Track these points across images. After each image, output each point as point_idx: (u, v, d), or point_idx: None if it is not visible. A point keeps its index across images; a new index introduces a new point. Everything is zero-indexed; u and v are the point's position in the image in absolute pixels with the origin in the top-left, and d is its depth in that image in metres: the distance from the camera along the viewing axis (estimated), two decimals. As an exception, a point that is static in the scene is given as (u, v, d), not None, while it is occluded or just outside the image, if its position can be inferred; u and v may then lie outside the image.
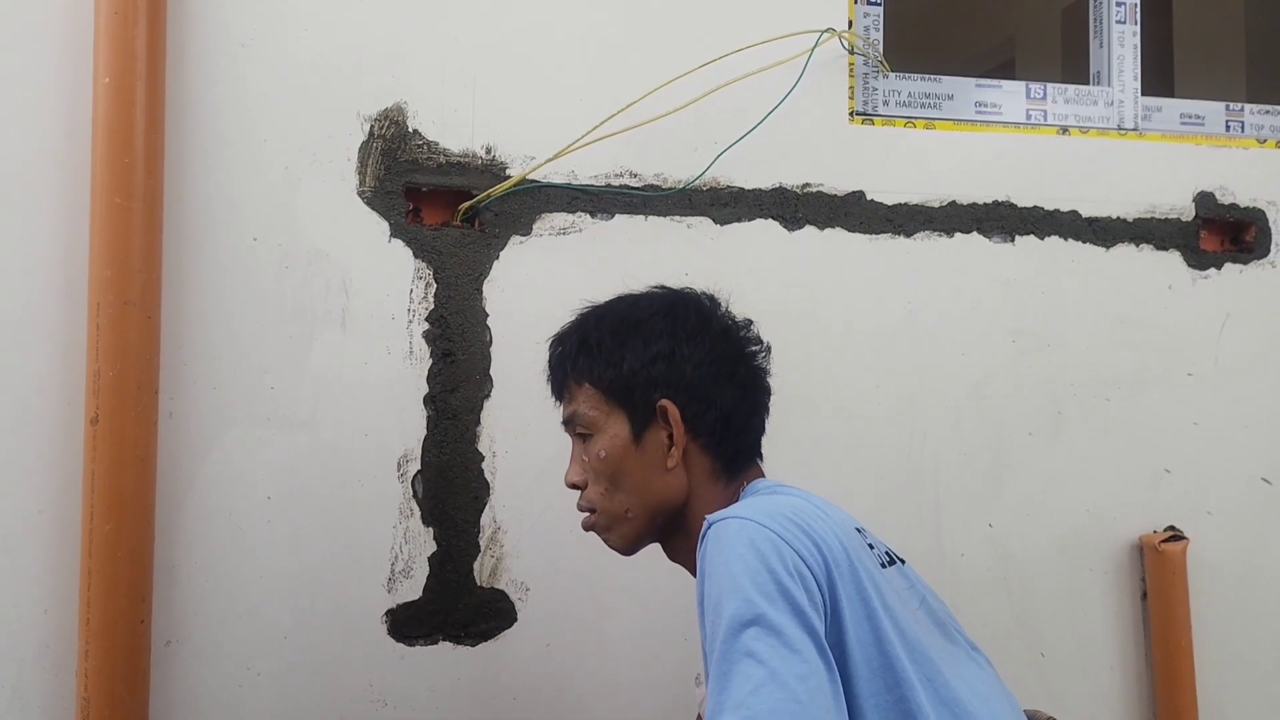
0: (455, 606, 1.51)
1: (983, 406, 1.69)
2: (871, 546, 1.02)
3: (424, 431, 1.51)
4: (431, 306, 1.52)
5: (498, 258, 1.54)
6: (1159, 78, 3.17)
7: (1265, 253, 1.81)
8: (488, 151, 1.55)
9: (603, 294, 1.17)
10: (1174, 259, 1.78)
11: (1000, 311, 1.71)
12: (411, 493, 1.50)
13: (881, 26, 1.73)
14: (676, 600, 1.48)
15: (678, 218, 1.60)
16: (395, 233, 1.52)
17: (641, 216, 1.59)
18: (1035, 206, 1.73)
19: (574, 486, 1.12)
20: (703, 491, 1.07)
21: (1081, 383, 1.73)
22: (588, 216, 1.58)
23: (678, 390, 1.06)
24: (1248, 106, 1.88)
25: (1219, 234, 1.82)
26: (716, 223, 1.61)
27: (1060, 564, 1.71)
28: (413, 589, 1.50)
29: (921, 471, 1.67)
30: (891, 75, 1.73)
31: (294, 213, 1.49)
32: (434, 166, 1.53)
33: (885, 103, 1.72)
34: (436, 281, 1.52)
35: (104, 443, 1.34)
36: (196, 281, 1.45)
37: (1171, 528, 1.74)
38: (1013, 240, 1.72)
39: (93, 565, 1.33)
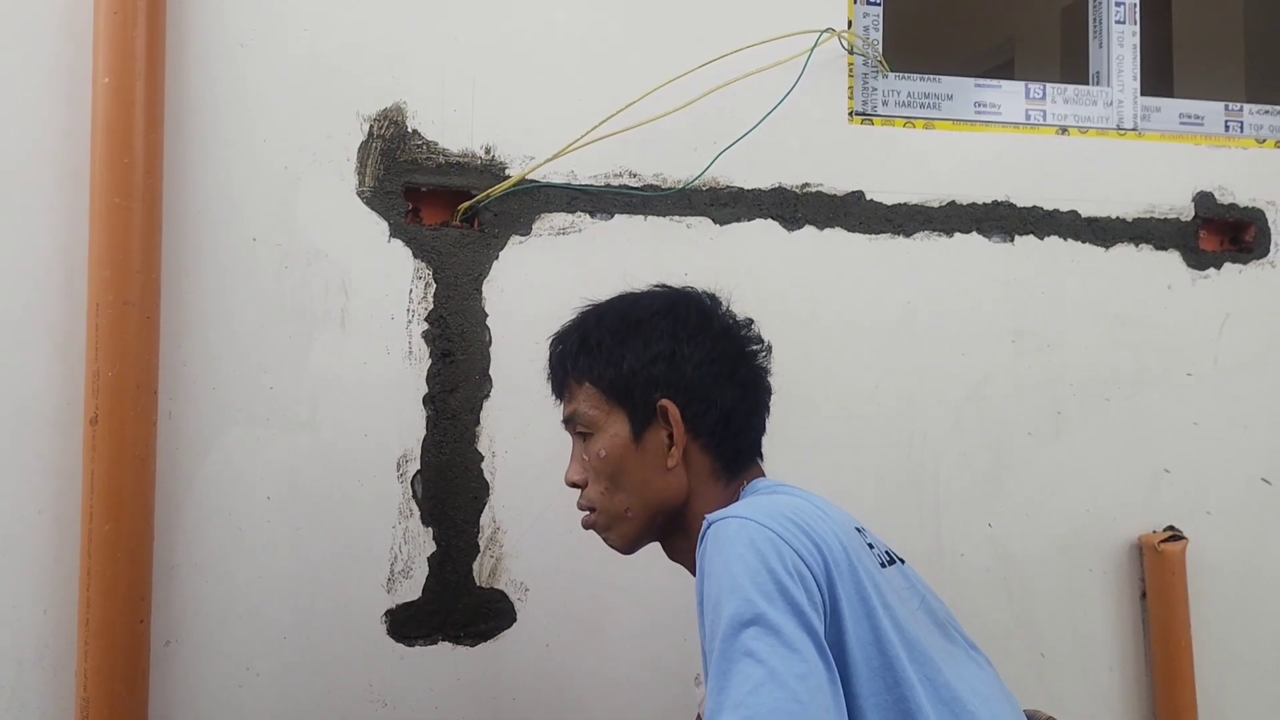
0: (455, 607, 1.51)
1: (982, 406, 1.69)
2: (871, 546, 1.02)
3: (423, 431, 1.51)
4: (431, 306, 1.52)
5: (497, 258, 1.54)
6: (1158, 78, 3.17)
7: (1265, 252, 1.82)
8: (487, 151, 1.55)
9: (603, 294, 1.17)
10: (1173, 259, 1.78)
11: (1000, 311, 1.71)
12: (411, 493, 1.50)
13: (881, 26, 1.73)
14: (676, 600, 1.48)
15: (677, 218, 1.60)
16: (395, 233, 1.52)
17: (641, 216, 1.59)
18: (1035, 206, 1.73)
19: (574, 485, 1.12)
20: (703, 491, 1.07)
21: (1081, 383, 1.73)
22: (587, 216, 1.58)
23: (678, 390, 1.06)
24: (1247, 106, 1.88)
25: (1218, 234, 1.82)
26: (716, 223, 1.61)
27: (1060, 564, 1.71)
28: (412, 589, 1.50)
29: (921, 471, 1.67)
30: (891, 75, 1.73)
31: (293, 213, 1.48)
32: (433, 166, 1.53)
33: (885, 103, 1.72)
34: (436, 281, 1.52)
35: (103, 443, 1.34)
36: (196, 281, 1.45)
37: (1171, 528, 1.74)
38: (1012, 240, 1.72)
39: (92, 565, 1.33)
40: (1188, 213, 1.79)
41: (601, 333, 1.09)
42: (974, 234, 1.70)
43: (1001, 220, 1.72)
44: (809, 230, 1.65)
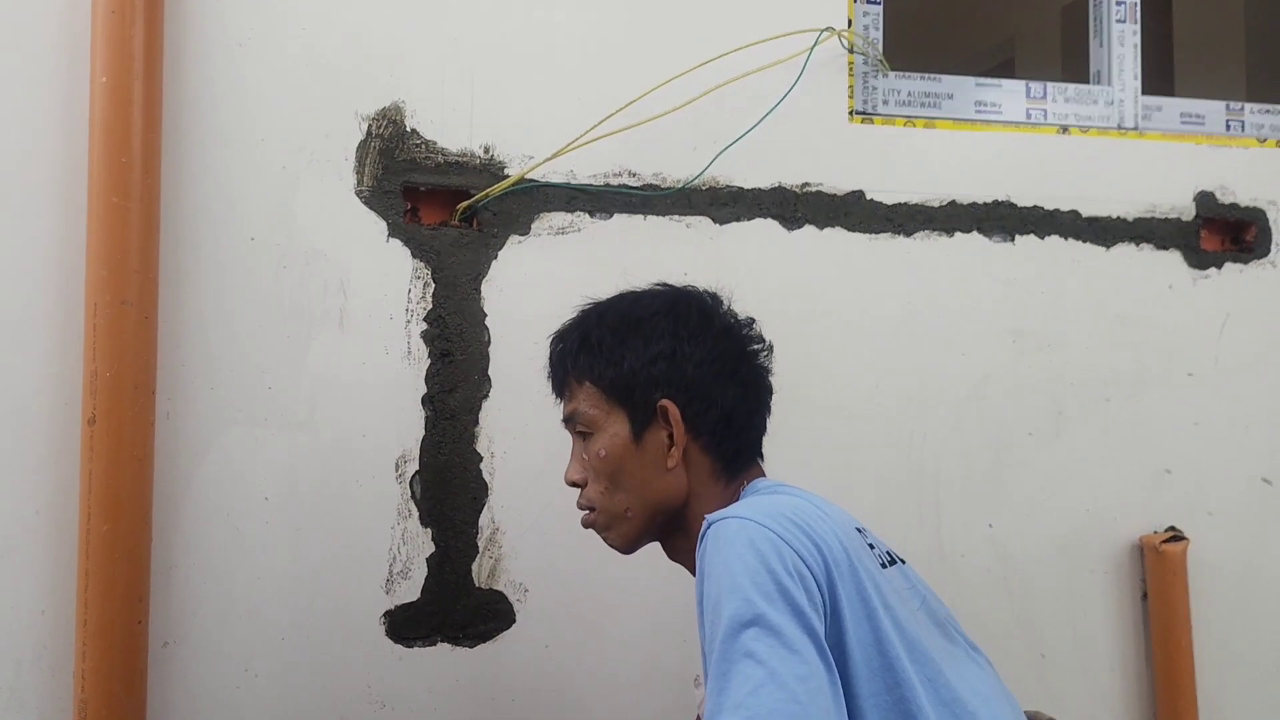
0: (454, 607, 1.50)
1: (983, 406, 1.69)
2: (872, 546, 1.02)
3: (422, 432, 1.50)
4: (430, 306, 1.51)
5: (496, 257, 1.54)
6: (1159, 77, 3.17)
7: (1266, 252, 1.81)
8: (486, 151, 1.55)
9: (603, 294, 1.16)
10: (1174, 259, 1.77)
11: (1000, 311, 1.70)
12: (410, 493, 1.50)
13: (881, 25, 1.73)
14: (676, 601, 1.48)
15: (677, 217, 1.60)
16: (393, 232, 1.51)
17: (640, 216, 1.59)
18: (1035, 206, 1.72)
19: (574, 484, 1.11)
20: (703, 491, 1.07)
21: (1082, 382, 1.73)
22: (586, 216, 1.57)
23: (678, 390, 1.06)
24: (1248, 106, 1.88)
25: (1219, 233, 1.82)
26: (716, 222, 1.61)
27: (1060, 564, 1.71)
28: (411, 590, 1.50)
29: (921, 471, 1.66)
30: (891, 74, 1.72)
31: (292, 212, 1.48)
32: (432, 166, 1.53)
33: (885, 102, 1.72)
34: (435, 281, 1.52)
35: (101, 443, 1.34)
36: (194, 281, 1.45)
37: (1172, 528, 1.74)
38: (1013, 240, 1.72)
39: (90, 566, 1.33)
40: (1189, 212, 1.78)
41: (602, 331, 1.09)
42: (974, 233, 1.70)
43: (1002, 220, 1.71)
44: (809, 230, 1.64)
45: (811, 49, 1.60)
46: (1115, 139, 1.79)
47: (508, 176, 1.54)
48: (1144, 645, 1.73)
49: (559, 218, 1.56)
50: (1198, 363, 1.77)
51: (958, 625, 1.08)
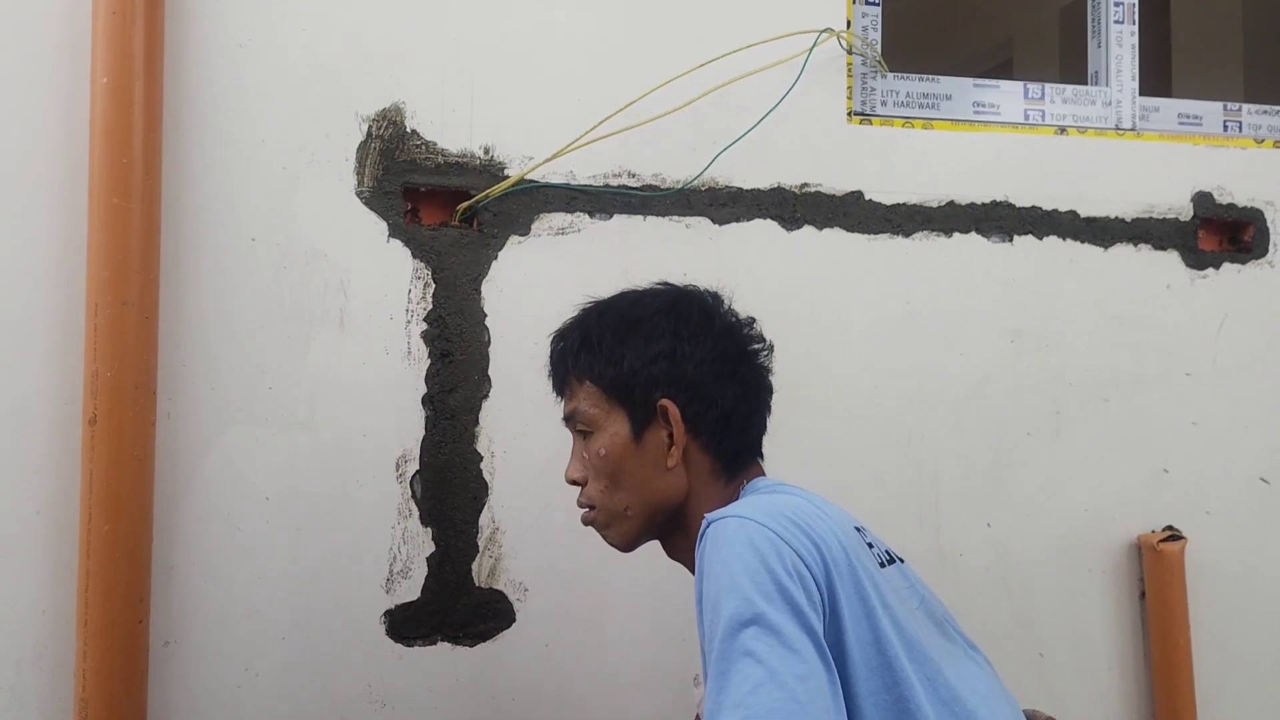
0: (454, 607, 1.51)
1: (981, 406, 1.69)
2: (871, 546, 1.02)
3: (422, 432, 1.51)
4: (430, 307, 1.52)
5: (496, 258, 1.54)
6: (1157, 78, 3.17)
7: (1263, 252, 1.82)
8: (486, 151, 1.55)
9: (602, 294, 1.16)
10: (1172, 259, 1.78)
11: (999, 311, 1.71)
12: (410, 493, 1.50)
13: (880, 26, 1.73)
14: (675, 600, 1.48)
15: (676, 218, 1.60)
16: (393, 233, 1.51)
17: (640, 216, 1.59)
18: (1033, 206, 1.73)
19: (574, 483, 1.12)
20: (702, 490, 1.07)
21: (1080, 382, 1.73)
22: (586, 216, 1.58)
23: (679, 389, 1.06)
24: (1245, 106, 1.88)
25: (1217, 234, 1.82)
26: (715, 223, 1.61)
27: (1059, 564, 1.71)
28: (411, 589, 1.50)
29: (920, 471, 1.67)
30: (890, 75, 1.73)
31: (292, 213, 1.48)
32: (432, 166, 1.53)
33: (883, 103, 1.72)
34: (435, 282, 1.52)
35: (102, 443, 1.34)
36: (194, 282, 1.45)
37: (1170, 527, 1.74)
38: (1011, 240, 1.72)
39: (91, 566, 1.33)
40: (1186, 213, 1.79)
41: (603, 331, 1.09)
42: (973, 234, 1.71)
43: (1000, 220, 1.72)
44: (808, 230, 1.65)
45: (810, 50, 1.60)
46: (1113, 139, 1.79)
47: (508, 177, 1.54)
48: (1142, 644, 1.73)
49: (559, 218, 1.57)
50: (1196, 363, 1.77)
51: (956, 624, 1.08)
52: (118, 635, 1.34)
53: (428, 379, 1.51)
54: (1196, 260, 1.79)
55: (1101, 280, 1.74)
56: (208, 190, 1.46)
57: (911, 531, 1.65)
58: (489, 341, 1.53)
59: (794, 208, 1.64)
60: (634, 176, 1.59)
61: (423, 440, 1.51)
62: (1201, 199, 1.79)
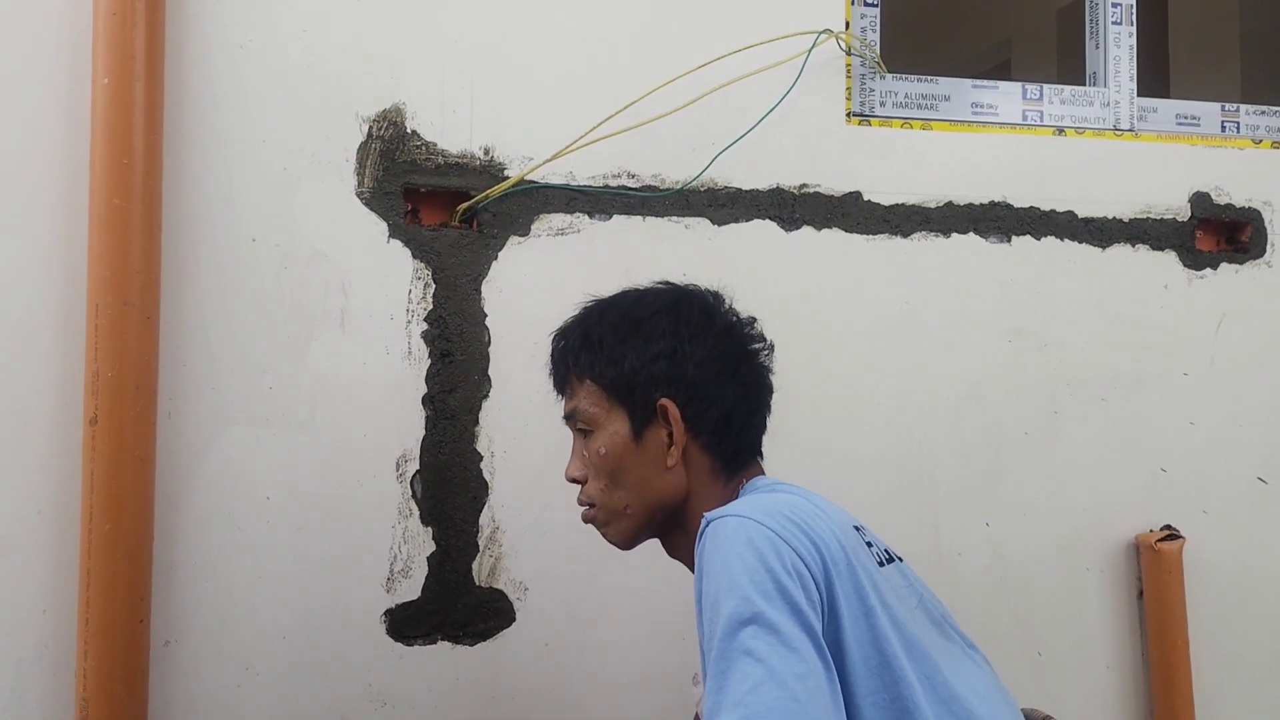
0: (454, 606, 1.51)
1: (980, 406, 1.70)
2: (869, 545, 1.03)
3: (422, 431, 1.51)
4: (430, 307, 1.52)
5: (496, 258, 1.55)
6: (1155, 78, 3.18)
7: (1261, 253, 1.82)
8: (486, 152, 1.55)
9: (603, 293, 1.17)
10: (1170, 259, 1.78)
11: (997, 311, 1.71)
12: (410, 493, 1.51)
13: (878, 28, 1.74)
14: (675, 600, 1.49)
15: (675, 218, 1.61)
16: (394, 233, 1.52)
17: (639, 217, 1.59)
18: (1031, 207, 1.73)
19: (574, 481, 1.12)
20: (702, 489, 1.08)
21: (1078, 382, 1.73)
22: (586, 217, 1.58)
23: (679, 389, 1.06)
24: (1243, 107, 1.88)
25: (1215, 234, 1.82)
26: (714, 223, 1.62)
27: (1057, 563, 1.71)
28: (411, 589, 1.50)
29: (919, 471, 1.67)
30: (888, 76, 1.73)
31: (292, 213, 1.49)
32: (432, 167, 1.53)
33: (882, 104, 1.73)
34: (435, 282, 1.52)
35: (103, 443, 1.34)
36: (195, 282, 1.46)
37: (1168, 527, 1.75)
38: (1009, 240, 1.72)
39: (92, 565, 1.34)
40: (1184, 213, 1.79)
41: (604, 330, 1.10)
42: (971, 234, 1.71)
43: (998, 221, 1.72)
44: (807, 231, 1.65)
45: (809, 51, 1.60)
46: (1111, 140, 1.80)
47: (508, 178, 1.54)
48: (1140, 643, 1.74)
49: (558, 219, 1.57)
50: (1194, 362, 1.78)
51: (955, 623, 1.08)
52: (118, 635, 1.34)
53: (428, 379, 1.52)
54: (1194, 260, 1.79)
55: (1099, 280, 1.75)
56: (208, 191, 1.46)
57: (910, 531, 1.65)
58: (489, 341, 1.54)
59: (793, 208, 1.64)
60: (633, 177, 1.60)
61: (423, 440, 1.51)
62: (1199, 199, 1.80)
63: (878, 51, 1.72)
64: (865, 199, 1.67)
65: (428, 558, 1.51)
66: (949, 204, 1.70)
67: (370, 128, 1.52)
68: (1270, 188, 1.83)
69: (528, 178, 1.54)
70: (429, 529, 1.51)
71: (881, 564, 1.02)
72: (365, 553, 1.49)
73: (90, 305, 1.36)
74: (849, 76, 1.70)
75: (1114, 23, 1.83)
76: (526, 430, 1.53)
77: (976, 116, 1.76)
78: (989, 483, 1.70)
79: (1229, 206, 1.81)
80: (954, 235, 1.70)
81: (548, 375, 1.17)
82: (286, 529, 1.47)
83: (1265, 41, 3.41)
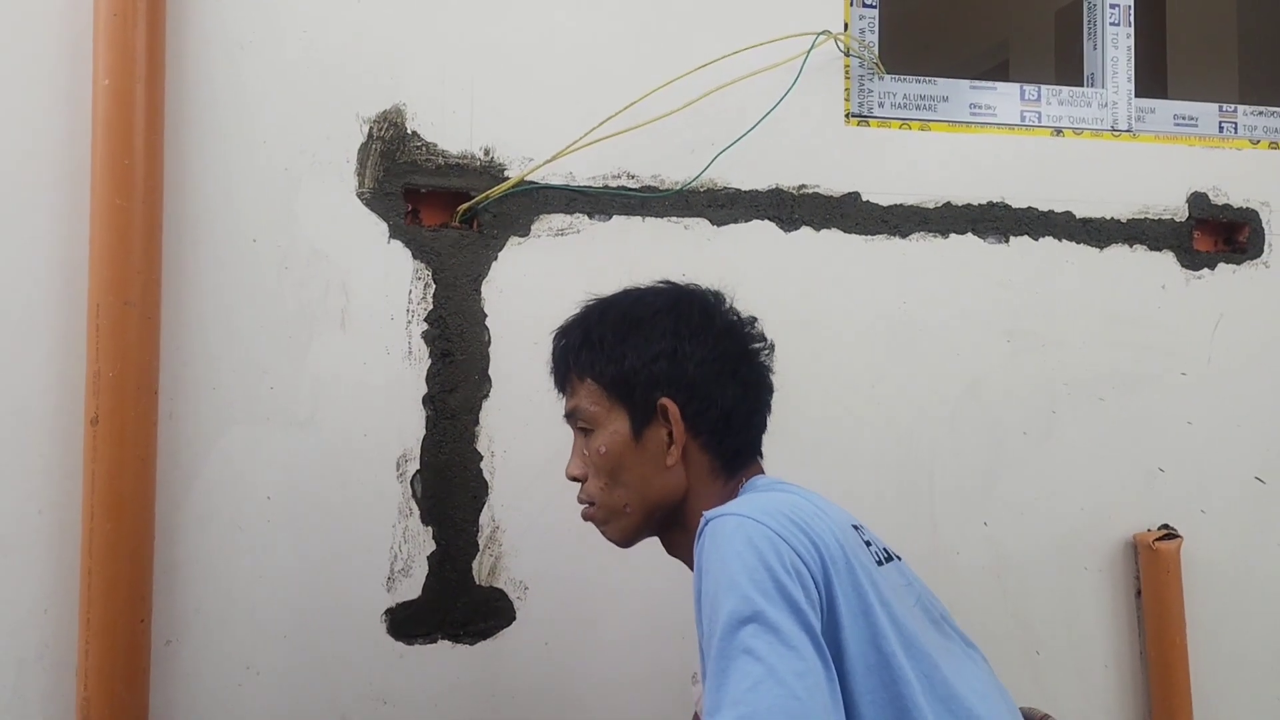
0: (454, 605, 1.51)
1: (978, 406, 1.70)
2: (868, 544, 1.03)
3: (423, 431, 1.51)
4: (430, 307, 1.52)
5: (496, 259, 1.55)
6: (1152, 79, 3.19)
7: (1258, 253, 1.83)
8: (486, 153, 1.56)
9: (603, 293, 1.17)
10: (1168, 259, 1.79)
11: (995, 312, 1.72)
12: (410, 492, 1.51)
13: (877, 29, 1.74)
14: (675, 599, 1.49)
15: (675, 219, 1.61)
16: (394, 234, 1.52)
17: (639, 218, 1.60)
18: (1029, 207, 1.74)
19: (574, 479, 1.12)
20: (701, 489, 1.08)
21: (1076, 382, 1.74)
22: (585, 218, 1.58)
23: (679, 389, 1.07)
24: (1241, 108, 1.89)
25: (1212, 234, 1.83)
26: (713, 224, 1.62)
27: (1055, 562, 1.72)
28: (412, 588, 1.50)
29: (917, 471, 1.68)
30: (887, 77, 1.74)
31: (293, 214, 1.49)
32: (432, 168, 1.54)
33: (880, 104, 1.73)
34: (435, 282, 1.53)
35: (104, 443, 1.34)
36: (196, 282, 1.46)
37: (1165, 526, 1.75)
38: (1007, 241, 1.73)
39: (93, 565, 1.34)
40: (1182, 213, 1.80)
41: (604, 329, 1.10)
42: (969, 235, 1.71)
43: (997, 221, 1.73)
44: (805, 231, 1.65)
45: (808, 52, 1.61)
46: (1109, 141, 1.80)
47: (508, 178, 1.55)
48: (1138, 642, 1.74)
49: (558, 219, 1.57)
50: (1191, 362, 1.78)
51: (953, 622, 1.08)
52: (120, 634, 1.34)
53: (428, 379, 1.52)
54: (1192, 261, 1.80)
55: (1097, 281, 1.75)
56: (209, 191, 1.47)
57: (908, 530, 1.66)
58: (489, 341, 1.54)
59: (792, 209, 1.65)
60: (633, 178, 1.60)
61: (423, 440, 1.51)
62: (1197, 200, 1.81)
63: (876, 52, 1.73)
64: (864, 199, 1.68)
65: (428, 557, 1.51)
66: (947, 204, 1.71)
67: (371, 128, 1.52)
68: (1268, 188, 1.83)
69: (528, 178, 1.55)
70: (429, 528, 1.51)
71: (880, 563, 1.02)
72: (365, 552, 1.49)
73: (91, 305, 1.36)
74: (848, 77, 1.70)
75: (1112, 23, 1.84)
76: (526, 430, 1.53)
77: (975, 117, 1.77)
78: (987, 482, 1.70)
79: (1226, 207, 1.82)
80: (952, 236, 1.71)
81: (548, 374, 1.18)
82: (287, 529, 1.47)
83: (1263, 42, 3.42)
